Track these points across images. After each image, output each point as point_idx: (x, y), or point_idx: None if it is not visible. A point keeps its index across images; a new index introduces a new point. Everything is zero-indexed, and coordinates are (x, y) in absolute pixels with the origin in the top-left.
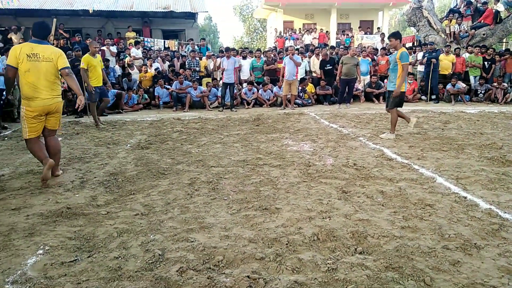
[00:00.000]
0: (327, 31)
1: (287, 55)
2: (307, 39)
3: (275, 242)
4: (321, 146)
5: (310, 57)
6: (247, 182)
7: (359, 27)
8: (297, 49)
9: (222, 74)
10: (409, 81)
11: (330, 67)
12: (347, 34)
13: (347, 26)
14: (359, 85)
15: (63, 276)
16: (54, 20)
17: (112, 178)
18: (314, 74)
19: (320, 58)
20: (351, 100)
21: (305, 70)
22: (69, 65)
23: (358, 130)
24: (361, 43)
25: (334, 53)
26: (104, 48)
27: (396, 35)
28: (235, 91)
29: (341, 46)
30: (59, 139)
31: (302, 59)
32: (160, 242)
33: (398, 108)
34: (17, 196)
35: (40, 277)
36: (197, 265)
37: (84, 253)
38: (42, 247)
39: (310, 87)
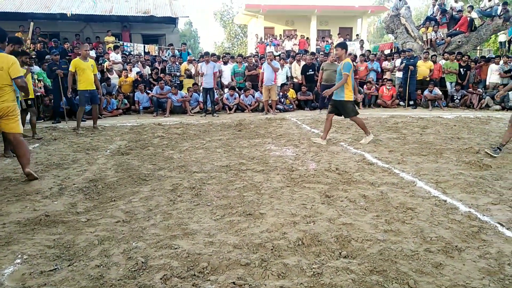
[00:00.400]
0: (307, 38)
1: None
2: (288, 45)
3: (260, 248)
4: (304, 151)
5: (291, 63)
6: (230, 187)
7: (338, 34)
8: (279, 55)
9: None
10: (387, 87)
11: (311, 73)
12: (327, 41)
13: (327, 32)
14: None
15: (43, 285)
16: (31, 23)
17: (91, 184)
18: (295, 80)
19: (303, 63)
20: None
21: (286, 75)
22: (22, 74)
23: (339, 135)
24: None
25: (314, 59)
26: None
27: (342, 45)
28: (215, 96)
29: (321, 52)
30: (36, 144)
31: (283, 65)
32: (143, 249)
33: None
34: None
35: (18, 287)
36: (181, 272)
37: (64, 262)
38: (20, 256)
39: (291, 93)
